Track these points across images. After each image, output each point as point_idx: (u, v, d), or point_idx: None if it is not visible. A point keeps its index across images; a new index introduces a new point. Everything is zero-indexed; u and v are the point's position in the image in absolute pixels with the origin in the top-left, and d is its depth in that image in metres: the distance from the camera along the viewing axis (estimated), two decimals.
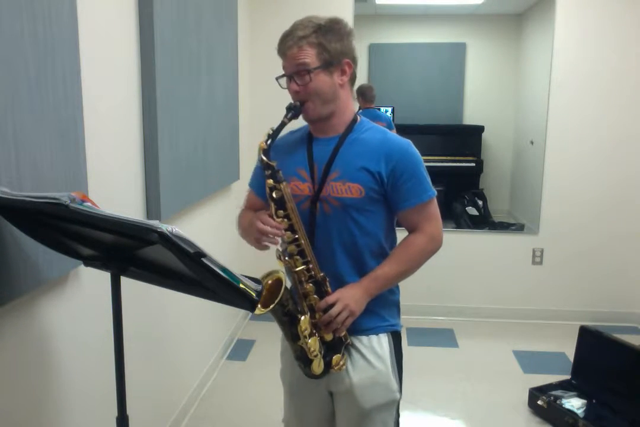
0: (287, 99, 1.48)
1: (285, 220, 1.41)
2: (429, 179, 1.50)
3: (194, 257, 1.04)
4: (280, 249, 1.46)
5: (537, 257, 3.95)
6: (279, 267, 1.45)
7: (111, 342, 1.23)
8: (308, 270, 1.42)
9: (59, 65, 1.47)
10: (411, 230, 1.52)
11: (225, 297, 1.17)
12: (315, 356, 1.42)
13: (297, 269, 1.42)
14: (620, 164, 3.79)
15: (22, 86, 1.33)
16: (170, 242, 1.00)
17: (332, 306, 1.41)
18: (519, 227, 4.36)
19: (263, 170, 1.42)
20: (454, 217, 4.69)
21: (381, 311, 1.52)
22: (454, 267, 3.98)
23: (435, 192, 1.50)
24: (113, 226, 1.04)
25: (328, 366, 1.45)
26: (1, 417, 1.36)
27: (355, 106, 1.55)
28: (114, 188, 1.90)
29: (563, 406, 2.63)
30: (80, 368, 1.70)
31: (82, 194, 1.16)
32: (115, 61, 1.89)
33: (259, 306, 1.33)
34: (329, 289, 1.45)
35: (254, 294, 1.15)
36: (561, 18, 3.67)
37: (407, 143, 1.50)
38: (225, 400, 2.87)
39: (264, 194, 1.50)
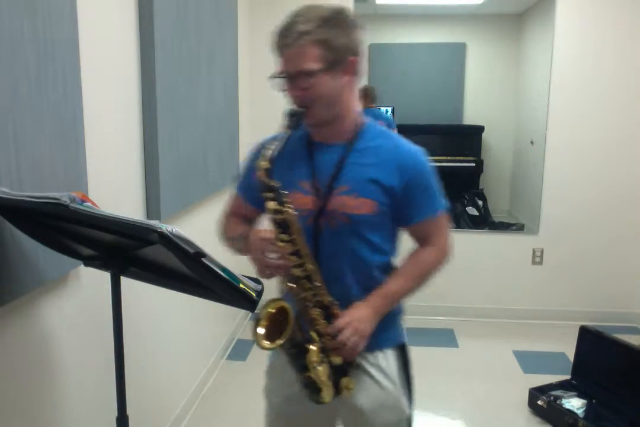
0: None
1: (290, 244, 1.25)
2: (440, 190, 1.40)
3: (194, 257, 1.04)
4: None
5: (537, 257, 3.94)
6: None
7: (111, 342, 1.23)
8: (315, 295, 1.30)
9: (59, 65, 1.47)
10: (421, 242, 1.44)
11: (225, 297, 1.17)
12: (325, 385, 1.32)
13: (303, 295, 1.30)
14: (621, 164, 3.78)
15: (22, 86, 1.33)
16: (170, 242, 1.00)
17: (341, 330, 1.30)
18: (519, 227, 4.36)
19: (263, 191, 1.26)
20: (454, 217, 4.69)
21: (384, 323, 1.39)
22: (454, 267, 3.93)
23: (448, 204, 1.42)
24: (113, 226, 1.04)
25: (337, 389, 1.34)
26: (1, 417, 1.36)
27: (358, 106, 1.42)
28: (114, 188, 1.90)
29: (563, 406, 2.63)
30: (80, 368, 1.70)
31: (82, 194, 1.16)
32: (115, 61, 1.89)
33: (267, 341, 1.25)
34: (337, 312, 1.33)
35: (254, 294, 1.15)
36: (561, 18, 3.67)
37: (420, 152, 1.39)
38: (225, 400, 2.87)
39: (256, 201, 1.36)
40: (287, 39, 1.26)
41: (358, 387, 1.39)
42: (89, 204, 1.08)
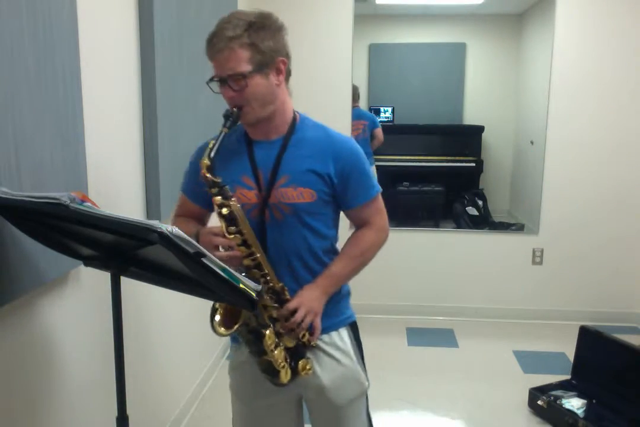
0: None
1: (238, 235, 1.35)
2: (373, 174, 1.51)
3: (194, 257, 1.04)
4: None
5: (537, 257, 3.94)
6: None
7: (111, 342, 1.23)
8: (266, 282, 1.39)
9: (59, 65, 1.47)
10: (360, 225, 1.54)
11: (225, 297, 1.17)
12: (283, 366, 1.41)
13: None
14: (620, 164, 3.79)
15: (22, 86, 1.33)
16: (170, 242, 1.00)
17: (294, 312, 1.40)
18: (519, 227, 4.36)
19: (208, 187, 1.35)
20: (454, 217, 4.68)
21: (336, 305, 1.53)
22: (454, 267, 3.98)
23: (380, 187, 1.53)
24: (113, 226, 1.04)
25: (295, 371, 1.43)
26: (1, 417, 1.36)
27: (292, 103, 1.49)
28: (114, 188, 1.90)
29: (563, 406, 2.63)
30: (80, 368, 1.70)
31: (82, 194, 1.16)
32: (115, 61, 1.89)
33: (222, 328, 1.37)
34: (288, 297, 1.43)
35: (254, 294, 1.15)
36: (561, 18, 3.68)
37: (351, 140, 1.50)
38: (225, 400, 2.85)
39: (200, 200, 1.46)
40: (217, 45, 1.34)
41: (319, 367, 1.50)
42: (89, 204, 1.08)
